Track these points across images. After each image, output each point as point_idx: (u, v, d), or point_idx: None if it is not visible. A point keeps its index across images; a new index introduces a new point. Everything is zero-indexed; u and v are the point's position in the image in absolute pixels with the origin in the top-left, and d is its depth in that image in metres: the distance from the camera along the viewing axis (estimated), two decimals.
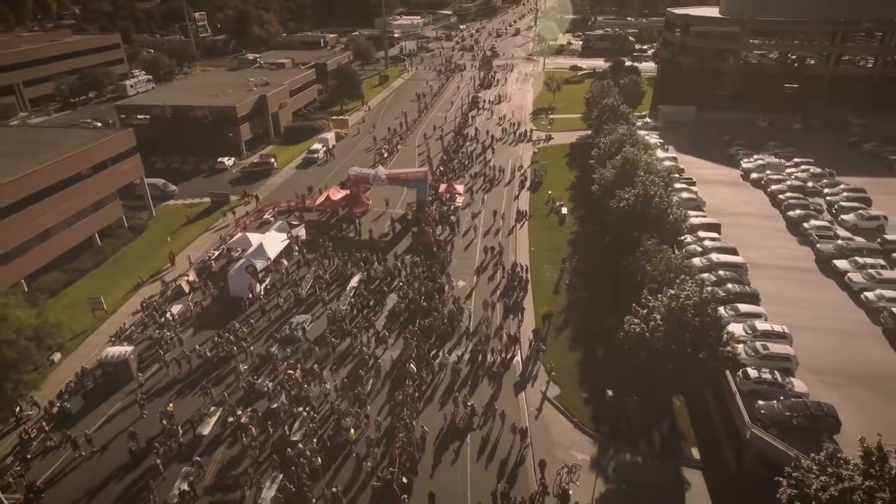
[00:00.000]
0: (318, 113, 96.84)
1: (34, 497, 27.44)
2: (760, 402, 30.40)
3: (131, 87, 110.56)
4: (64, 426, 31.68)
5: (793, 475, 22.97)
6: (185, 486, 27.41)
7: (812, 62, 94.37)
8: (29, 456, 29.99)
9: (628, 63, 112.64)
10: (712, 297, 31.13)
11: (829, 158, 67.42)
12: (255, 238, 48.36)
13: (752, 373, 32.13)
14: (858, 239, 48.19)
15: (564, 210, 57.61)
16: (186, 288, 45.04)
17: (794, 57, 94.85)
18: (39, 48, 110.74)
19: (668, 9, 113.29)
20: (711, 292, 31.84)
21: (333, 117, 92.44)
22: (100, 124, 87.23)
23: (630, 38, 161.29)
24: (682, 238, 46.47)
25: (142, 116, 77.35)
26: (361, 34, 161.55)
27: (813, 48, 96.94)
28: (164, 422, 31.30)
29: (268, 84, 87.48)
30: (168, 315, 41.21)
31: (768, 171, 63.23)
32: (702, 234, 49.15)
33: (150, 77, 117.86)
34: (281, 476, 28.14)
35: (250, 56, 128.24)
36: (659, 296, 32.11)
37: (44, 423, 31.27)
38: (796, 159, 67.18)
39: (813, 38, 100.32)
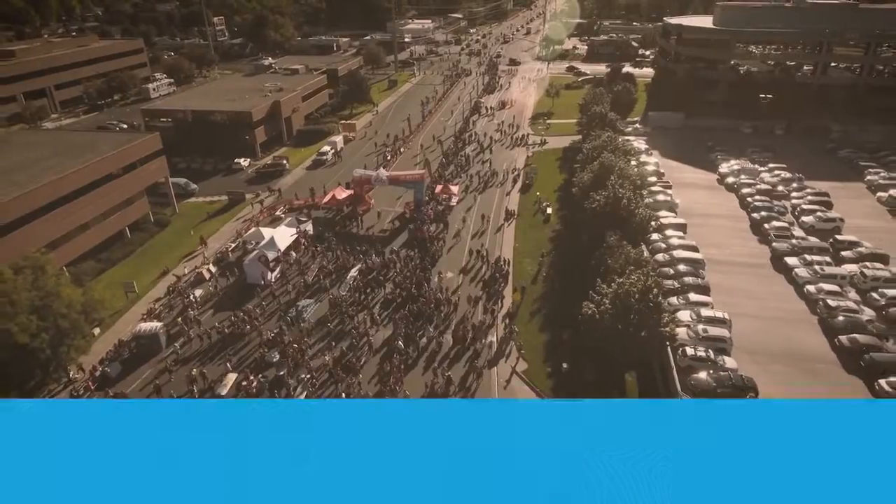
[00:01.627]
0: (329, 116, 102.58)
1: None
2: (693, 375, 35.61)
3: (153, 90, 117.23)
4: (106, 387, 37.80)
5: None
6: None
7: (804, 68, 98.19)
8: None
9: (626, 69, 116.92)
10: (655, 285, 36.30)
11: (804, 164, 71.81)
12: (267, 232, 54.25)
13: (690, 351, 37.34)
14: (812, 239, 52.89)
15: (549, 210, 62.78)
16: (207, 275, 51.06)
17: (790, 64, 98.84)
18: (69, 53, 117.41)
19: (665, 18, 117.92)
20: (655, 281, 36.97)
21: (342, 121, 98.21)
22: (125, 126, 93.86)
23: (633, 43, 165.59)
24: (649, 236, 51.77)
25: (164, 120, 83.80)
26: (373, 38, 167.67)
27: (800, 57, 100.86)
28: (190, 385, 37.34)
29: (282, 89, 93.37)
30: (191, 297, 47.18)
31: (742, 176, 67.87)
32: (669, 232, 54.12)
33: (172, 80, 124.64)
34: None
35: (266, 62, 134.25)
36: (612, 284, 37.38)
37: (90, 383, 37.36)
38: (771, 164, 71.67)
39: (804, 47, 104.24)
